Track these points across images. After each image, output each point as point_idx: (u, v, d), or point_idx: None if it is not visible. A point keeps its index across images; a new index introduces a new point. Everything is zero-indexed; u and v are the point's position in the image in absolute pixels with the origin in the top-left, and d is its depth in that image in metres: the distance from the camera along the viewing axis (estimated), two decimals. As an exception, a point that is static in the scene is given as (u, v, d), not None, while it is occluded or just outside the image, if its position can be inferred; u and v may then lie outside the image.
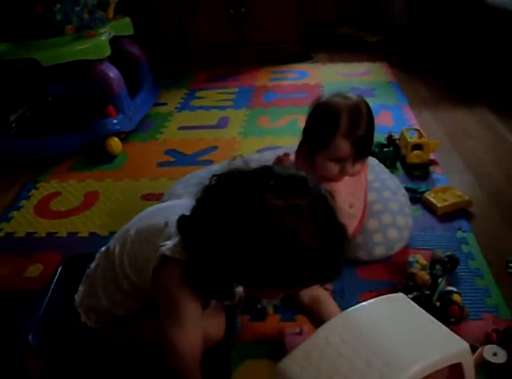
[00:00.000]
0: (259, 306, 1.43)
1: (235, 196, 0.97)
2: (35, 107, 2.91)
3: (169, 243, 1.05)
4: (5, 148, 2.46)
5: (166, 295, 1.05)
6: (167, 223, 1.10)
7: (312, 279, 1.00)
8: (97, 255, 1.27)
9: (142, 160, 2.37)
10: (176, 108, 2.98)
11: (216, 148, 2.43)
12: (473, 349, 1.15)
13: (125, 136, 2.53)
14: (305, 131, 1.52)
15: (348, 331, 0.81)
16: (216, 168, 1.80)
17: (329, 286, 1.46)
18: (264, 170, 1.01)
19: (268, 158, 1.65)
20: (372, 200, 1.66)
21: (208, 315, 1.14)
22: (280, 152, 1.60)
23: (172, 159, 2.36)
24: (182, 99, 3.12)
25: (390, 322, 0.84)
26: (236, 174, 1.02)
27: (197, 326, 1.06)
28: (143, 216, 1.23)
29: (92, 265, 1.25)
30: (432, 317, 0.92)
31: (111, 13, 2.78)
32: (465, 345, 0.82)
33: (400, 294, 0.95)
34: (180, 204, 1.17)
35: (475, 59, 3.17)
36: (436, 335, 0.83)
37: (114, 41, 2.67)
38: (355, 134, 1.41)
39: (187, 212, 1.03)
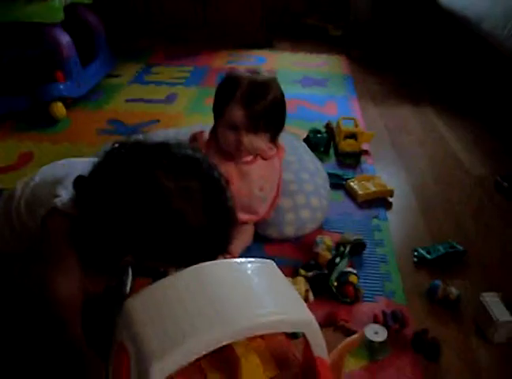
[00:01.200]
0: (162, 270, 1.46)
1: (130, 169, 1.03)
2: (-13, 68, 2.90)
3: (63, 196, 1.09)
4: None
5: (50, 242, 1.09)
6: (67, 175, 1.14)
7: (195, 257, 1.01)
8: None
9: (84, 127, 2.38)
10: (129, 81, 2.99)
11: (158, 121, 2.45)
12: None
13: (71, 103, 2.53)
14: (214, 99, 1.56)
15: (195, 280, 0.85)
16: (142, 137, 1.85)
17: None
18: (161, 148, 1.06)
19: (185, 132, 1.69)
20: (288, 180, 1.69)
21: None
22: (196, 129, 1.63)
23: (113, 128, 2.38)
24: (137, 72, 3.12)
25: (243, 282, 0.87)
26: (136, 145, 1.08)
27: (76, 275, 1.09)
28: (50, 166, 1.29)
29: None
30: (293, 289, 0.95)
31: (70, -20, 2.77)
32: (309, 317, 0.86)
33: (270, 261, 0.99)
34: (86, 161, 1.20)
35: (427, 58, 3.25)
36: (283, 303, 0.86)
37: (72, 8, 2.67)
38: (252, 104, 1.45)
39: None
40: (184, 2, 3.61)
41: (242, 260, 0.93)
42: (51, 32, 2.42)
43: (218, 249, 1.10)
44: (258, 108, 1.45)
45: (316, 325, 0.86)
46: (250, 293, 0.84)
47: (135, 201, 1.00)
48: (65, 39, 2.46)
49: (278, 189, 1.63)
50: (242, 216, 1.54)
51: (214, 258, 1.04)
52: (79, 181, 1.09)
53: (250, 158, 1.57)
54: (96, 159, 1.18)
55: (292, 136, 2.02)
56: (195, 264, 0.91)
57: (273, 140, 1.59)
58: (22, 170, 2.00)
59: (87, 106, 2.62)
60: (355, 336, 1.07)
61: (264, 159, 1.59)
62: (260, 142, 1.52)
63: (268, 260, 0.97)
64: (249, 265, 0.91)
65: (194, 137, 1.61)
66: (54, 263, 1.08)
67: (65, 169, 1.22)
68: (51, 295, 1.06)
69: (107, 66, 2.96)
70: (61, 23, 2.46)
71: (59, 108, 2.41)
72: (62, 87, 2.43)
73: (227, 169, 1.46)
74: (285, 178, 1.68)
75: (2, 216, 1.22)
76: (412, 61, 3.36)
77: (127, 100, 2.71)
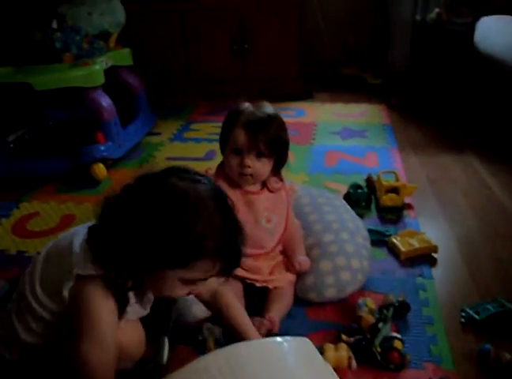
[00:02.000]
0: (200, 338, 1.44)
1: (141, 183, 1.09)
2: (33, 130, 2.99)
3: (78, 262, 1.08)
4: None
5: (79, 311, 1.07)
6: (68, 246, 1.13)
7: (209, 258, 1.05)
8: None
9: (124, 187, 2.41)
10: (169, 139, 3.04)
11: (197, 179, 2.45)
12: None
13: (112, 163, 2.58)
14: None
15: (228, 364, 0.82)
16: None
17: (265, 321, 1.46)
18: (172, 166, 1.15)
19: None
20: (328, 241, 1.66)
21: (126, 331, 1.15)
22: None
23: (152, 187, 2.39)
24: (177, 130, 3.18)
25: (277, 365, 0.84)
26: (141, 177, 1.13)
27: (110, 342, 1.07)
28: (45, 249, 1.25)
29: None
30: (331, 370, 0.91)
31: (111, 44, 2.87)
32: None
33: (306, 339, 0.95)
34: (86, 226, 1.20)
35: (467, 105, 3.20)
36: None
37: (114, 70, 2.76)
38: (253, 127, 1.50)
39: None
40: (222, 57, 3.70)
41: (278, 339, 0.90)
42: (93, 95, 2.49)
43: (232, 257, 1.10)
44: (260, 131, 1.50)
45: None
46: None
47: (155, 202, 1.02)
48: (106, 101, 2.53)
49: (286, 225, 1.63)
50: (250, 251, 1.50)
51: (230, 272, 1.12)
52: (92, 228, 1.10)
53: (256, 189, 1.61)
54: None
55: (332, 194, 2.00)
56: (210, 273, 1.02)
57: (277, 171, 1.63)
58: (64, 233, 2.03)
59: (127, 165, 2.66)
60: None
61: (270, 191, 1.62)
62: (263, 168, 1.56)
63: (304, 339, 0.94)
64: (285, 346, 0.88)
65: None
66: (86, 333, 1.05)
67: (61, 243, 1.20)
68: (86, 366, 1.03)
69: (147, 125, 3.03)
70: (102, 85, 2.54)
71: (100, 169, 2.45)
72: (102, 148, 2.48)
73: (234, 197, 1.46)
74: (325, 240, 1.66)
75: (26, 312, 1.18)
76: (452, 108, 3.32)
77: (167, 158, 2.75)
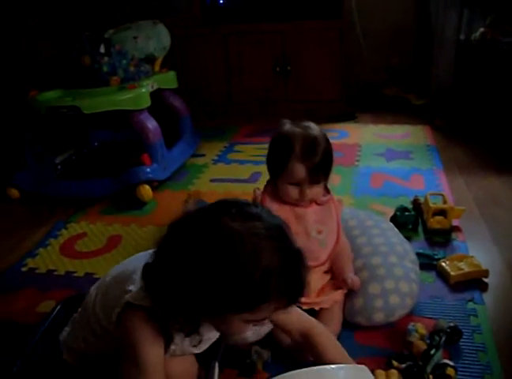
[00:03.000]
0: (248, 361, 1.43)
1: (193, 224, 1.02)
2: (80, 151, 3.06)
3: (133, 290, 1.10)
4: (47, 188, 2.61)
5: (127, 340, 1.08)
6: (134, 270, 1.15)
7: (275, 298, 1.01)
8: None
9: (169, 208, 2.43)
10: (213, 160, 3.06)
11: (243, 201, 2.46)
12: None
13: (158, 185, 2.61)
14: (267, 159, 1.65)
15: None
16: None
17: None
18: (220, 201, 1.07)
19: None
20: (377, 265, 1.64)
21: (174, 364, 1.15)
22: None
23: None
24: (221, 151, 3.20)
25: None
26: (193, 210, 1.09)
27: (156, 370, 1.07)
28: (121, 263, 1.31)
29: (79, 309, 1.30)
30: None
31: (157, 67, 2.92)
32: None
33: (363, 367, 0.94)
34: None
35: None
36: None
37: (159, 93, 2.80)
38: (310, 158, 1.51)
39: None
40: (265, 80, 3.73)
41: (334, 367, 0.88)
42: (139, 118, 2.54)
43: (294, 291, 1.04)
44: (317, 161, 1.52)
45: None
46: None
47: (209, 246, 0.97)
48: (151, 123, 2.57)
49: (338, 237, 1.63)
50: None
51: (291, 302, 1.06)
52: (146, 267, 1.07)
53: (305, 203, 1.63)
54: None
55: (379, 216, 1.97)
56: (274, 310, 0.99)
57: (325, 186, 1.66)
58: (111, 254, 2.06)
59: (172, 187, 2.69)
60: None
61: (318, 204, 1.64)
62: (319, 191, 1.60)
63: (361, 367, 0.92)
64: (342, 373, 0.86)
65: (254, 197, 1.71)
66: (134, 363, 1.06)
67: (133, 263, 1.22)
68: None
69: (192, 147, 3.06)
70: (148, 108, 2.58)
71: (146, 191, 2.48)
72: (148, 170, 2.52)
73: (284, 212, 1.55)
74: (373, 262, 1.65)
75: (84, 322, 1.24)
76: (498, 128, 3.25)
77: (211, 180, 2.77)
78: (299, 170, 1.53)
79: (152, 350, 1.06)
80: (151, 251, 1.11)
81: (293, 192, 1.57)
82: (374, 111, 3.87)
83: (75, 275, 1.94)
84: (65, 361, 1.27)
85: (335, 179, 2.66)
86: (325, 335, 1.30)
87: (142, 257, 1.16)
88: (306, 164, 1.52)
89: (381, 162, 2.91)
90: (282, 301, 1.03)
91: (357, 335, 1.56)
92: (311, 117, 3.61)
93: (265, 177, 2.71)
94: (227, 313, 1.01)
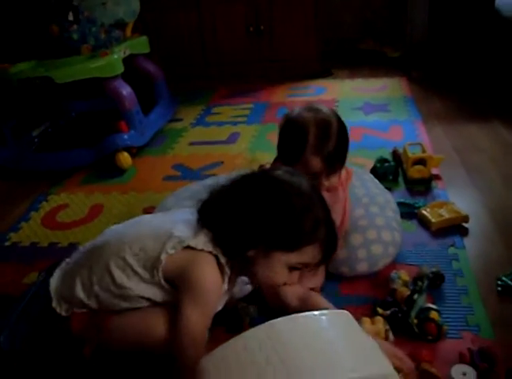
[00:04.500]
0: (235, 319, 1.44)
1: (252, 178, 1.21)
2: (57, 123, 3.02)
3: (186, 234, 1.17)
4: (25, 162, 2.56)
5: (195, 281, 1.14)
6: (172, 224, 1.22)
7: (318, 246, 1.16)
8: (82, 249, 1.33)
9: (149, 175, 2.42)
10: (191, 124, 3.04)
11: (221, 163, 2.46)
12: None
13: (136, 151, 2.59)
14: (278, 147, 1.54)
15: (267, 340, 0.82)
16: (209, 182, 1.85)
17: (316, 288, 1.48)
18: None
19: None
20: (358, 216, 1.65)
21: None
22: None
23: (178, 174, 2.40)
24: (199, 115, 3.17)
25: (316, 338, 0.83)
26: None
27: (211, 317, 1.17)
28: (135, 222, 1.33)
29: (74, 258, 1.30)
30: (370, 339, 0.91)
31: (128, 32, 2.86)
32: (389, 368, 0.81)
33: (345, 312, 0.95)
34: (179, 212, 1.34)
35: (491, 73, 3.13)
36: (360, 356, 0.82)
37: (132, 58, 2.76)
38: (325, 149, 1.42)
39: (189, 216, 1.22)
40: (239, 39, 3.67)
41: (316, 313, 0.90)
42: (113, 85, 2.50)
43: (331, 246, 1.20)
44: (332, 150, 1.43)
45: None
46: (327, 354, 0.80)
47: (269, 192, 1.15)
48: (126, 90, 2.53)
49: (344, 220, 1.59)
50: None
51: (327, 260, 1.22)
52: (205, 209, 1.22)
53: None
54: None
55: (360, 169, 1.98)
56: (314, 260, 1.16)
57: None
58: (94, 223, 2.05)
59: (151, 152, 2.67)
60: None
61: (326, 190, 1.55)
62: (336, 180, 1.52)
63: (343, 312, 0.93)
64: (324, 319, 0.88)
65: None
66: (199, 303, 1.12)
67: (161, 219, 1.32)
68: (191, 334, 1.11)
69: (169, 112, 3.03)
70: (121, 74, 2.54)
71: (125, 158, 2.46)
72: (126, 137, 2.49)
73: None
74: (355, 214, 1.65)
75: (93, 273, 1.22)
76: (474, 77, 3.25)
77: (190, 144, 2.75)
78: (315, 163, 1.43)
79: (217, 290, 1.16)
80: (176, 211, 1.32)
81: None
82: (351, 66, 3.85)
83: (59, 246, 1.93)
84: (53, 310, 1.25)
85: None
86: (321, 298, 1.38)
87: (167, 215, 1.36)
88: (321, 155, 1.42)
89: (359, 116, 2.91)
90: (321, 250, 1.17)
91: (341, 286, 1.58)
92: (287, 75, 3.65)
93: (244, 137, 2.76)
94: (278, 250, 1.15)
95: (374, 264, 1.58)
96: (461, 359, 1.26)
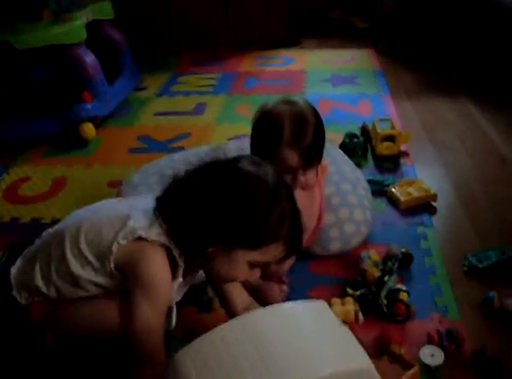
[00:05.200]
0: (205, 299, 1.44)
1: (216, 167, 1.12)
2: (16, 91, 2.90)
3: (139, 224, 1.11)
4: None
5: (144, 275, 1.09)
6: (128, 209, 1.16)
7: (282, 242, 1.10)
8: (44, 234, 1.27)
9: (114, 146, 2.36)
10: (156, 93, 2.96)
11: (188, 134, 2.41)
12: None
13: (100, 122, 2.52)
14: (252, 141, 1.47)
15: (245, 332, 0.81)
16: (177, 157, 1.81)
17: (284, 287, 1.46)
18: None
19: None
20: (330, 194, 1.63)
21: None
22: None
23: (144, 146, 2.35)
24: (164, 84, 3.10)
25: (293, 330, 0.82)
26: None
27: (164, 310, 1.12)
28: (97, 208, 1.26)
29: (36, 244, 1.25)
30: (347, 331, 0.90)
31: (90, -4, 2.75)
32: (366, 363, 0.80)
33: (321, 302, 0.94)
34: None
35: (459, 46, 3.13)
36: (337, 351, 0.81)
37: (95, 25, 2.66)
38: (301, 143, 1.37)
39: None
40: (205, 6, 3.57)
41: (292, 304, 0.89)
42: (75, 52, 2.40)
43: (296, 241, 1.14)
44: (308, 144, 1.38)
45: (375, 373, 0.81)
46: (303, 345, 0.80)
47: (231, 184, 1.07)
48: (89, 58, 2.44)
49: (320, 218, 1.56)
50: None
51: (292, 251, 1.14)
52: (162, 200, 1.14)
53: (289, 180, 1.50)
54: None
55: (329, 144, 1.96)
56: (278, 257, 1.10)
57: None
58: (57, 197, 2.00)
59: (116, 123, 2.60)
60: (413, 371, 1.01)
61: (302, 188, 1.50)
62: (313, 175, 1.46)
63: (319, 301, 0.93)
64: (300, 310, 0.87)
65: None
66: (150, 296, 1.08)
67: (120, 205, 1.25)
68: (144, 328, 1.08)
69: (133, 80, 2.94)
70: (84, 41, 2.45)
71: (89, 129, 2.39)
72: (89, 107, 2.41)
73: None
74: (327, 192, 1.63)
75: (52, 261, 1.17)
76: (443, 50, 3.24)
77: (156, 114, 2.68)
78: (291, 157, 1.38)
79: (167, 289, 1.11)
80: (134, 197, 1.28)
81: (286, 179, 1.38)
82: (319, 36, 3.80)
83: (21, 221, 1.87)
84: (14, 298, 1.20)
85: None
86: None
87: (128, 200, 1.28)
88: (297, 149, 1.37)
89: (327, 88, 2.88)
90: (284, 247, 1.11)
91: (312, 265, 1.57)
92: (254, 43, 3.58)
93: (211, 107, 2.72)
94: (240, 247, 1.09)
95: (347, 243, 1.58)
96: (430, 340, 1.28)
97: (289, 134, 1.36)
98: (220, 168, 1.12)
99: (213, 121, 2.55)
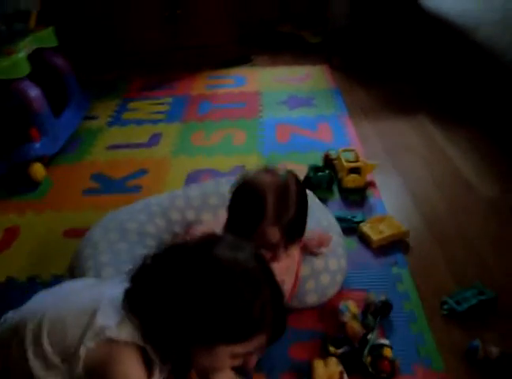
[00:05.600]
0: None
1: (186, 254, 1.03)
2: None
3: (109, 323, 1.00)
4: None
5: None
6: (97, 301, 1.05)
7: (266, 331, 1.04)
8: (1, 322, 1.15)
9: (67, 188, 2.22)
10: (107, 123, 2.82)
11: (145, 171, 2.30)
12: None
13: (49, 160, 2.37)
14: (230, 212, 1.39)
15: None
16: (137, 207, 1.71)
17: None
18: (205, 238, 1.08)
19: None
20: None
21: None
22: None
23: (98, 186, 2.21)
24: (114, 111, 2.96)
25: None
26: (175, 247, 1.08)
27: None
28: (62, 295, 1.14)
29: None
30: None
31: (32, 24, 2.60)
32: None
33: None
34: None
35: (414, 62, 3.13)
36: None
37: (38, 53, 2.51)
38: (284, 218, 1.31)
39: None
40: (152, 24, 3.45)
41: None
42: (19, 87, 2.25)
43: (281, 324, 1.09)
44: (291, 219, 1.32)
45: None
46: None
47: (204, 278, 0.99)
48: (34, 92, 2.29)
49: (297, 276, 1.49)
50: None
51: (276, 337, 1.08)
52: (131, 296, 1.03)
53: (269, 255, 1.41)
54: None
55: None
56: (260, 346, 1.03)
57: None
58: (11, 250, 1.86)
59: (66, 160, 2.45)
60: None
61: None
62: (294, 248, 1.41)
63: None
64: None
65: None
66: None
67: (85, 293, 1.12)
68: None
69: (82, 109, 2.80)
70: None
71: (38, 169, 2.25)
72: (38, 146, 2.26)
73: None
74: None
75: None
76: (397, 66, 3.24)
77: (109, 147, 2.55)
78: (273, 234, 1.32)
79: None
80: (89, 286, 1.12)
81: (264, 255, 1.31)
82: (270, 52, 3.73)
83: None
84: None
85: (240, 136, 2.56)
86: None
87: (92, 287, 1.15)
88: (280, 226, 1.31)
89: (284, 111, 2.83)
90: (268, 335, 1.05)
91: (290, 319, 1.49)
92: (205, 62, 3.49)
93: (166, 138, 2.61)
94: (220, 344, 1.01)
95: (323, 294, 1.52)
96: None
97: (272, 210, 1.30)
98: (193, 256, 1.02)
99: (170, 154, 2.44)
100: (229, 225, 1.38)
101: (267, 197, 1.30)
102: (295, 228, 1.35)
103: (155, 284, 1.01)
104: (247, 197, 1.35)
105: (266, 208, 1.30)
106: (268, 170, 1.38)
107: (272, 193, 1.31)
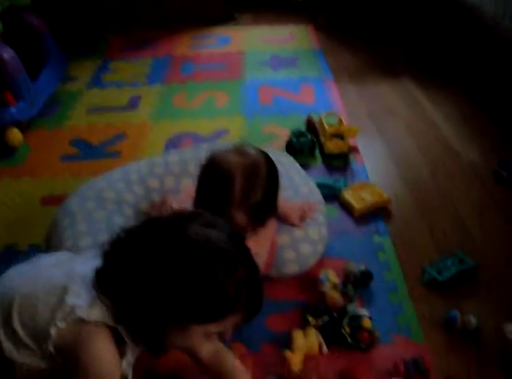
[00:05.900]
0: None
1: (159, 232, 1.00)
2: None
3: (79, 303, 0.98)
4: None
5: (83, 360, 0.95)
6: (66, 279, 1.03)
7: (240, 310, 1.01)
8: None
9: (45, 153, 2.17)
10: (86, 85, 2.73)
11: (124, 136, 2.24)
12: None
13: (27, 124, 2.30)
14: (197, 195, 1.35)
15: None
16: (115, 176, 1.68)
17: None
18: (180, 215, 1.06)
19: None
20: (283, 211, 1.55)
21: None
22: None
23: (77, 152, 2.16)
24: (94, 72, 2.87)
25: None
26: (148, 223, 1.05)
27: None
28: (32, 272, 1.11)
29: None
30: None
31: (3, -19, 2.50)
32: None
33: None
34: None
35: (398, 21, 3.07)
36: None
37: (11, 12, 2.43)
38: (251, 203, 1.28)
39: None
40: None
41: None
42: (-8, 49, 2.17)
43: (256, 305, 1.05)
44: (258, 202, 1.28)
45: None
46: None
47: (178, 255, 0.96)
48: (8, 54, 2.20)
49: (273, 245, 1.47)
50: None
51: (251, 315, 1.05)
52: (101, 275, 1.00)
53: None
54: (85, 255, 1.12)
55: (279, 152, 1.86)
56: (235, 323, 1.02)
57: None
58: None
59: (45, 124, 2.38)
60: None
61: None
62: (268, 230, 1.39)
63: None
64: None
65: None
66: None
67: (56, 271, 1.07)
68: None
69: (60, 71, 2.70)
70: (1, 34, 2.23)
71: (15, 135, 2.18)
72: (14, 110, 2.19)
73: None
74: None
75: None
76: (382, 25, 3.16)
77: (88, 111, 2.48)
78: (240, 218, 1.28)
79: (112, 368, 0.98)
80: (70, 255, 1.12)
81: None
82: (254, 10, 3.63)
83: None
84: None
85: (222, 98, 2.50)
86: (230, 353, 1.24)
87: (65, 263, 1.11)
88: (246, 209, 1.28)
89: (267, 72, 2.77)
90: (243, 313, 1.03)
91: (268, 289, 1.45)
92: (188, 21, 3.38)
93: (145, 101, 2.55)
94: (194, 323, 0.99)
95: (304, 264, 1.51)
96: (395, 370, 1.24)
97: (239, 193, 1.26)
98: (167, 234, 0.99)
99: (150, 117, 2.38)
100: (197, 205, 1.35)
101: (234, 181, 1.26)
102: (263, 211, 1.32)
103: (127, 264, 0.98)
104: (214, 180, 1.31)
105: (233, 192, 1.26)
106: (238, 150, 1.33)
107: (240, 177, 1.27)
